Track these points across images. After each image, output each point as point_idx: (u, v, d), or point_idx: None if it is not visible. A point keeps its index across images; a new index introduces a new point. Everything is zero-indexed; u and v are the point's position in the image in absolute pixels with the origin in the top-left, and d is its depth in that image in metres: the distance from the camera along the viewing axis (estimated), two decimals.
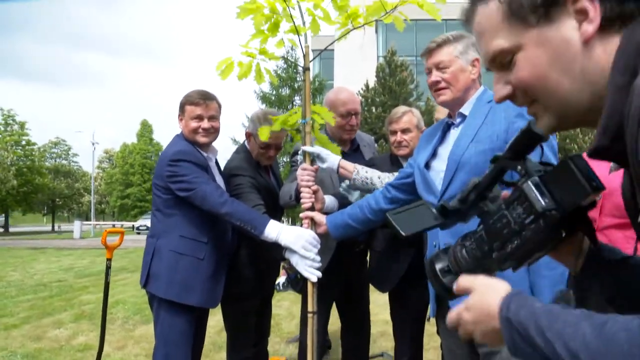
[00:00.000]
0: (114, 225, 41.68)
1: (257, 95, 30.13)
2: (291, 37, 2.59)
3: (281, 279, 5.00)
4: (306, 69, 2.57)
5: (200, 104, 2.88)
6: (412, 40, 35.14)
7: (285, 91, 30.83)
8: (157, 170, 2.87)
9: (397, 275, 3.03)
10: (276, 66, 28.71)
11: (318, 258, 2.51)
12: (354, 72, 28.56)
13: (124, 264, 13.70)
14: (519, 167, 0.86)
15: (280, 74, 28.51)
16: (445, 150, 2.18)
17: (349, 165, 2.70)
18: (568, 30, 0.78)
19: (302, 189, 2.61)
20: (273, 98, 27.78)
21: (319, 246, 2.54)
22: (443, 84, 2.16)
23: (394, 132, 3.22)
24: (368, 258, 3.36)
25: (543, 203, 0.77)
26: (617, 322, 0.65)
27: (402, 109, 3.29)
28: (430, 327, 3.38)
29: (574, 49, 0.78)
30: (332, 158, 2.67)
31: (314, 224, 2.59)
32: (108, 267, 4.08)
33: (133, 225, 37.35)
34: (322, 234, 2.56)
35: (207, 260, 2.81)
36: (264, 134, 2.73)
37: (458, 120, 2.19)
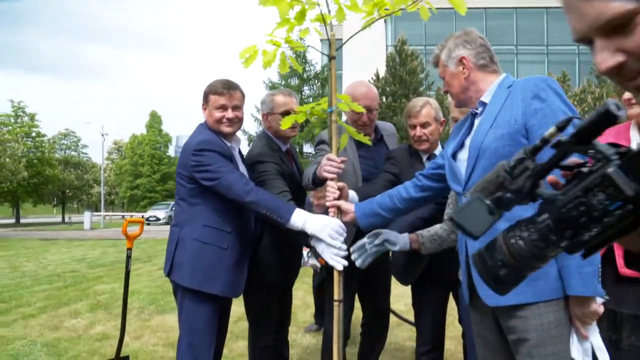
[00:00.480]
0: (123, 217, 41.87)
1: (265, 85, 30.08)
2: (316, 26, 2.56)
3: (305, 252, 5.01)
4: (332, 57, 2.55)
5: (224, 94, 2.87)
6: (422, 29, 34.89)
7: (295, 81, 30.73)
8: (180, 160, 2.87)
9: (419, 269, 3.02)
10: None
11: (344, 246, 2.51)
12: (363, 62, 28.42)
13: (136, 254, 13.77)
14: (592, 151, 0.83)
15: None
16: (470, 140, 2.18)
17: (413, 236, 2.71)
18: None
19: (327, 184, 2.59)
20: (282, 88, 27.74)
21: (344, 234, 2.54)
22: (448, 93, 2.26)
23: (414, 127, 3.16)
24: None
25: (632, 188, 0.74)
26: None
27: (419, 101, 3.20)
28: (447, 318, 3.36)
29: None
30: (401, 240, 2.65)
31: (340, 212, 2.58)
32: (129, 257, 4.10)
33: (142, 215, 37.53)
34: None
35: (230, 250, 2.82)
36: (286, 123, 2.72)
37: (480, 109, 2.18)
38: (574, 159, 0.87)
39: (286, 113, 3.12)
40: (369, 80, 24.32)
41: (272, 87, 28.69)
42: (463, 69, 2.16)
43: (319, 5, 2.47)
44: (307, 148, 30.59)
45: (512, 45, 36.07)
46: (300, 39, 2.70)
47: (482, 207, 1.01)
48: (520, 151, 0.94)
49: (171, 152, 52.00)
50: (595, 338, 1.93)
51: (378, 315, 3.45)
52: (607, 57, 0.78)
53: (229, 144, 2.93)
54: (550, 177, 0.92)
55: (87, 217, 31.00)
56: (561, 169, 0.90)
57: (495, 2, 33.31)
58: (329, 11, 2.51)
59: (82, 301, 7.42)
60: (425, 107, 3.15)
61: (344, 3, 2.50)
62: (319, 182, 2.83)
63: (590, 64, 29.05)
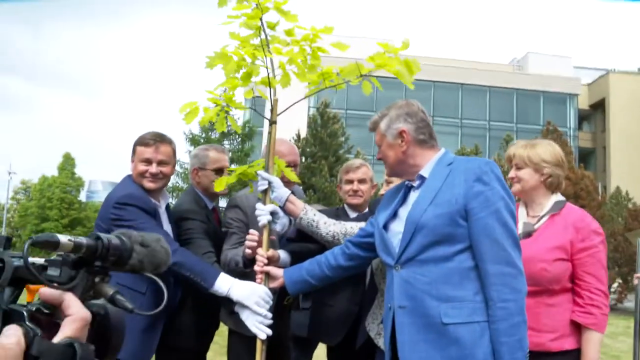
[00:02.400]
0: None
1: (186, 137, 29.76)
2: (260, 88, 2.61)
3: None
4: (273, 122, 2.57)
5: (150, 145, 2.77)
6: (344, 93, 36.06)
7: (215, 135, 30.60)
8: (101, 212, 2.74)
9: (345, 321, 3.00)
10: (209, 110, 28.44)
11: (270, 315, 2.44)
12: (285, 121, 28.71)
13: None
14: None
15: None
16: (404, 212, 2.19)
17: (298, 202, 2.65)
18: None
19: (257, 257, 2.53)
20: (202, 140, 27.44)
21: (271, 302, 2.48)
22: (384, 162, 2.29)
23: (350, 182, 3.26)
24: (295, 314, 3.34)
25: None
26: None
27: (358, 161, 3.40)
28: None
29: None
30: (283, 191, 2.60)
31: (267, 278, 2.53)
32: None
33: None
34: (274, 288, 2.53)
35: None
36: (220, 185, 2.68)
37: (417, 182, 2.21)
38: None
39: (219, 170, 3.08)
40: (290, 140, 24.56)
41: (192, 139, 28.34)
42: (402, 142, 2.19)
43: (266, 68, 2.51)
44: (223, 202, 30.19)
45: (429, 116, 37.88)
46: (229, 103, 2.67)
47: None
48: None
49: (82, 196, 49.80)
50: None
51: None
52: None
53: (154, 201, 2.81)
54: None
55: None
56: None
57: (416, 75, 35.04)
58: (274, 75, 2.55)
59: None
60: (364, 166, 3.31)
61: (291, 69, 2.55)
62: (249, 263, 2.69)
63: (499, 139, 31.00)
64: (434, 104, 38.20)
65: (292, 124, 28.74)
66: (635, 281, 4.06)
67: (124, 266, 0.92)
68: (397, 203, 2.27)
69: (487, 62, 42.39)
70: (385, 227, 2.25)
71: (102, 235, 0.87)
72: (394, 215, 2.26)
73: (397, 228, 2.18)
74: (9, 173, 40.41)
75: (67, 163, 48.64)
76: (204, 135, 28.33)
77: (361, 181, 3.26)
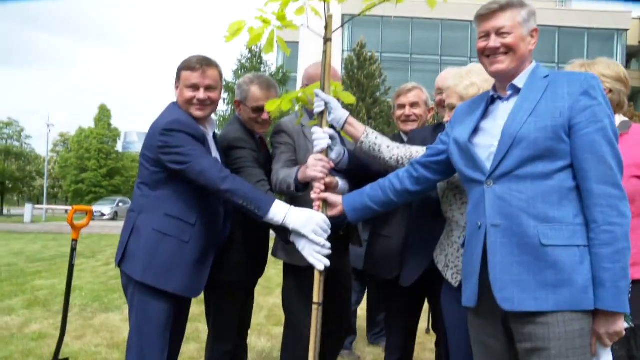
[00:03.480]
0: (66, 211, 40.37)
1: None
2: (312, 5, 2.36)
3: None
4: (328, 39, 2.36)
5: (197, 70, 2.57)
6: (378, 36, 35.20)
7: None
8: (147, 141, 2.56)
9: (417, 267, 2.73)
10: (240, 55, 28.09)
11: (328, 244, 2.28)
12: (319, 65, 28.27)
13: (79, 250, 13.05)
14: None
15: (244, 63, 27.89)
16: (491, 125, 2.00)
17: (358, 124, 2.45)
18: None
19: (314, 184, 2.36)
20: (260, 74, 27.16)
21: (329, 231, 2.30)
22: (502, 50, 1.94)
23: (402, 106, 3.07)
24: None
25: None
26: None
27: (411, 84, 3.15)
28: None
29: None
30: (342, 112, 2.41)
31: (325, 206, 2.35)
32: (73, 249, 3.73)
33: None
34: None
35: (192, 244, 2.52)
36: (271, 105, 2.49)
37: (509, 92, 2.00)
38: None
39: (258, 109, 2.87)
40: None
41: (226, 86, 28.03)
42: (532, 40, 1.98)
43: None
44: None
45: (465, 57, 36.85)
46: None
47: None
48: None
49: (119, 147, 50.56)
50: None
51: (338, 319, 3.04)
52: None
53: (202, 128, 2.63)
54: None
55: (27, 209, 29.65)
56: None
57: (452, 14, 33.85)
58: None
59: (18, 297, 6.90)
60: (416, 88, 3.09)
61: None
62: (303, 187, 2.54)
63: None
64: (471, 44, 37.04)
65: None
66: None
67: None
68: (478, 116, 2.06)
69: None
70: (469, 141, 2.04)
71: None
72: (476, 129, 2.05)
73: (485, 141, 1.98)
74: (48, 126, 40.94)
75: (103, 114, 49.27)
76: (236, 82, 27.92)
77: (413, 105, 3.08)
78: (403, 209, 2.74)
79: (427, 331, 5.30)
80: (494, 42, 1.94)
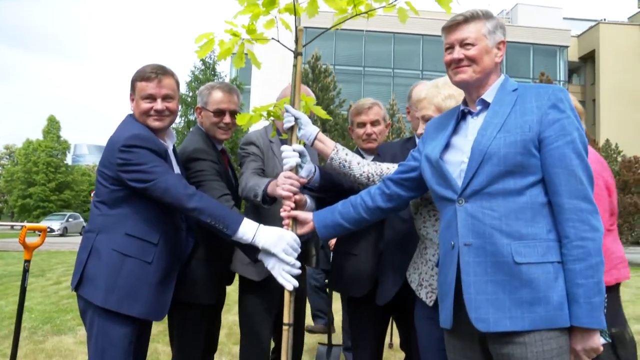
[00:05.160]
0: (12, 227, 38.81)
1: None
2: (282, 18, 2.38)
3: None
4: (298, 53, 2.36)
5: (152, 79, 2.50)
6: (332, 48, 35.54)
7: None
8: (104, 157, 2.45)
9: (372, 271, 2.78)
10: (194, 67, 27.83)
11: (298, 264, 2.25)
12: (273, 76, 28.27)
13: None
14: None
15: (197, 75, 27.62)
16: (461, 141, 2.00)
17: (328, 141, 2.44)
18: None
19: (284, 202, 2.34)
20: (189, 99, 26.85)
21: (299, 250, 2.28)
22: (465, 62, 1.96)
23: (362, 125, 3.06)
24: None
25: None
26: None
27: (368, 100, 3.12)
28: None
29: None
30: (311, 128, 2.41)
31: (295, 224, 2.33)
32: (26, 270, 3.57)
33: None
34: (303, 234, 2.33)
35: (155, 265, 2.44)
36: (242, 119, 2.50)
37: (479, 107, 2.01)
38: None
39: (219, 112, 2.84)
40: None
41: (180, 97, 27.65)
42: (499, 53, 1.99)
43: None
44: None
45: (417, 70, 37.60)
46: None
47: None
48: None
49: (69, 160, 49.13)
50: None
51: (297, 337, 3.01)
52: None
53: (162, 141, 2.56)
54: None
55: None
56: None
57: (404, 28, 34.50)
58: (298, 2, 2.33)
59: None
60: (375, 105, 3.08)
61: None
62: (270, 200, 2.53)
63: None
64: (423, 57, 37.85)
65: (282, 79, 28.29)
66: None
67: None
68: (449, 132, 2.06)
69: None
70: (440, 158, 2.04)
71: None
72: (447, 145, 2.05)
73: (455, 158, 1.99)
74: None
75: (52, 126, 47.78)
76: (190, 94, 27.53)
77: (374, 123, 3.06)
78: (373, 227, 2.70)
79: (390, 346, 5.37)
80: (457, 53, 1.97)
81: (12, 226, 39.69)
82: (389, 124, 3.21)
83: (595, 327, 1.73)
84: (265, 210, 2.69)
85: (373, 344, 2.89)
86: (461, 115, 2.08)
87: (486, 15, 1.98)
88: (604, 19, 42.72)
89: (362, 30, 34.08)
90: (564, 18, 42.97)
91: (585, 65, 42.90)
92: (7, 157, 57.73)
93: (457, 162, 1.97)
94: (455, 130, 2.07)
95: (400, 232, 2.68)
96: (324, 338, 5.20)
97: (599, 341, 1.76)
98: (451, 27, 2.01)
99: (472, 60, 1.95)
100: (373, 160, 2.93)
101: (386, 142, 3.18)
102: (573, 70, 43.11)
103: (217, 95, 2.89)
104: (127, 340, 2.40)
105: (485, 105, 1.99)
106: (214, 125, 2.89)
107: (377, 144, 3.06)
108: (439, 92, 2.40)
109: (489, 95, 1.99)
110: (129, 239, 2.41)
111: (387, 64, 38.37)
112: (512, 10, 43.37)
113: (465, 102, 2.08)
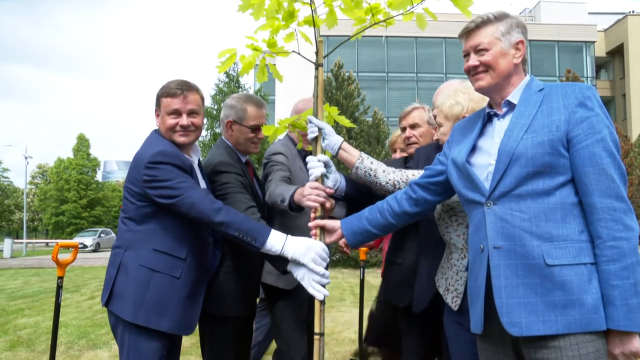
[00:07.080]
0: (47, 244, 39.64)
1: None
2: (303, 30, 2.42)
3: None
4: (319, 65, 2.37)
5: (177, 95, 2.51)
6: (354, 56, 35.53)
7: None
8: (131, 173, 2.48)
9: (428, 292, 2.64)
10: (218, 79, 28.14)
11: (328, 273, 2.24)
12: (296, 87, 28.42)
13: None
14: None
15: (221, 88, 27.90)
16: (488, 143, 1.98)
17: (353, 150, 2.44)
18: None
19: (312, 212, 2.35)
20: (215, 112, 27.14)
21: (328, 260, 2.27)
22: (481, 68, 1.94)
23: (404, 129, 3.08)
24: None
25: None
26: None
27: (412, 105, 3.14)
28: None
29: None
30: (335, 138, 2.40)
31: (323, 233, 2.32)
32: (59, 287, 3.63)
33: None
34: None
35: (183, 279, 2.44)
36: (268, 130, 2.51)
37: (504, 109, 1.98)
38: None
39: (257, 128, 2.85)
40: None
41: (206, 111, 28.01)
42: (517, 53, 1.96)
43: (310, 6, 2.29)
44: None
45: (441, 74, 37.32)
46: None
47: None
48: None
49: (99, 177, 50.10)
50: None
51: None
52: None
53: (187, 156, 2.57)
54: None
55: (7, 244, 29.03)
56: None
57: (425, 32, 34.41)
58: (316, 13, 2.35)
59: (0, 337, 6.75)
60: (416, 109, 3.08)
61: (337, 5, 2.32)
62: (296, 208, 2.53)
63: None
64: (446, 60, 37.55)
65: (305, 89, 28.37)
66: None
67: None
68: (475, 135, 2.04)
69: None
70: (467, 162, 2.02)
71: None
72: (473, 148, 2.03)
73: (482, 161, 1.96)
74: (26, 158, 40.36)
75: (82, 144, 48.88)
76: (216, 107, 27.87)
77: (413, 126, 3.06)
78: (415, 234, 2.71)
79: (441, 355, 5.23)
80: (473, 60, 1.95)
81: (47, 243, 40.53)
82: (436, 127, 3.17)
83: (634, 330, 1.68)
84: (291, 221, 2.70)
85: (422, 351, 2.81)
86: (487, 118, 2.05)
87: (498, 18, 1.95)
88: (632, 11, 41.81)
89: (383, 36, 34.11)
90: (589, 13, 42.24)
91: (613, 60, 42.04)
92: (40, 175, 59.07)
93: (484, 164, 1.94)
94: (481, 133, 2.05)
95: (432, 238, 2.62)
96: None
97: (638, 344, 1.70)
98: (465, 34, 2.00)
99: (487, 66, 1.94)
100: (408, 161, 2.97)
101: (422, 146, 3.15)
102: (600, 65, 42.27)
103: (253, 111, 2.88)
104: (157, 355, 2.41)
105: (511, 106, 1.96)
106: (249, 140, 2.89)
107: (418, 147, 3.02)
108: (447, 100, 2.42)
109: (514, 96, 1.96)
110: (157, 254, 2.43)
111: (411, 69, 38.15)
112: (535, 8, 42.79)
113: (490, 105, 2.06)
